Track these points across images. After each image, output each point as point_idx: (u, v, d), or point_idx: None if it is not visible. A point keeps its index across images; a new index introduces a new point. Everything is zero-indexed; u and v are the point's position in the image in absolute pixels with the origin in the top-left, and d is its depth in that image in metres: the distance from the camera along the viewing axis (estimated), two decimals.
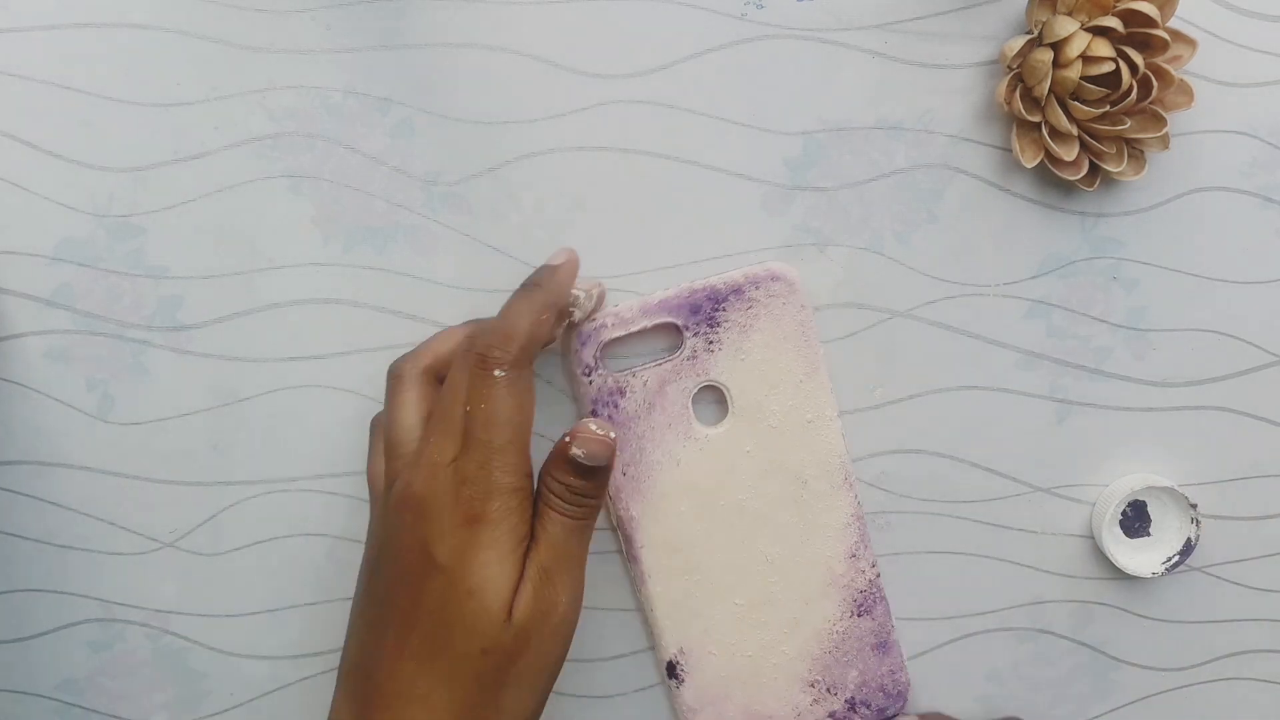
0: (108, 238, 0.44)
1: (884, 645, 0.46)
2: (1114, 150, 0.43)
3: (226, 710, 0.47)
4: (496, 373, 0.38)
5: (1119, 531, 0.46)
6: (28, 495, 0.45)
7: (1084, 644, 0.47)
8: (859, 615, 0.46)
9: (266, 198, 0.44)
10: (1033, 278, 0.45)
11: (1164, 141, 0.43)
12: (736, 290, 0.44)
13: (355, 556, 0.46)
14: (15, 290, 0.44)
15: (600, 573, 0.46)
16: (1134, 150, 0.43)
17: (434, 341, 0.42)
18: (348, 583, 0.46)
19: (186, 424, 0.45)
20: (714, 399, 0.45)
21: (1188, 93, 0.43)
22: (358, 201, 0.44)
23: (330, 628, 0.47)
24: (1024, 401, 0.46)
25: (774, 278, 0.44)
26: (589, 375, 0.44)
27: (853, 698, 0.46)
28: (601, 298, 0.44)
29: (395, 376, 0.41)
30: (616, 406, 0.44)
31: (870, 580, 0.46)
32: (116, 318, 0.45)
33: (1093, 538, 0.46)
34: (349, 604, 0.45)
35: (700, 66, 0.44)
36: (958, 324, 0.46)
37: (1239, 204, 0.45)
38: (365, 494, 0.46)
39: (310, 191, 0.44)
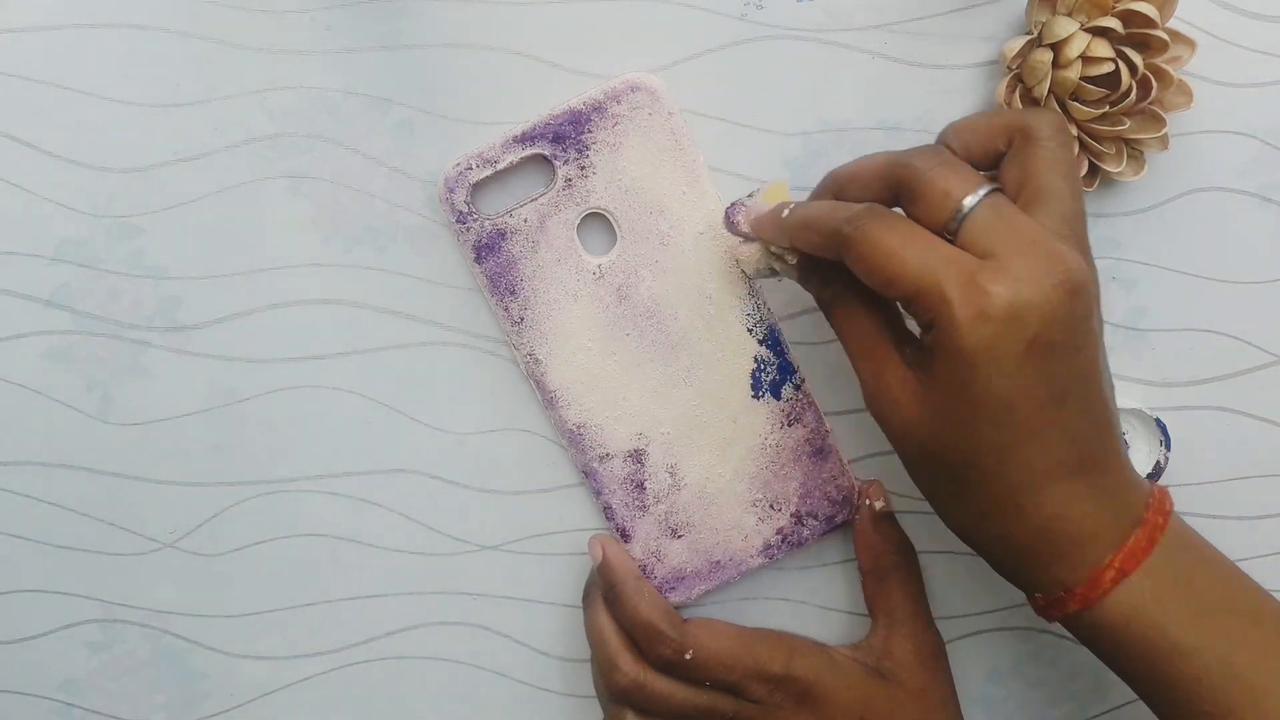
0: (107, 238, 0.44)
1: (820, 452, 0.45)
2: (1113, 150, 0.43)
3: (226, 710, 0.47)
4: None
5: None
6: (27, 495, 0.45)
7: None
8: (789, 425, 0.44)
9: (266, 198, 0.44)
10: None
11: (1163, 142, 0.43)
12: (598, 108, 0.42)
13: (355, 556, 0.46)
14: (15, 290, 0.44)
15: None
16: (1133, 150, 0.43)
17: None
18: (348, 583, 0.46)
19: (186, 424, 0.45)
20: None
21: (1187, 93, 0.43)
22: (358, 201, 0.44)
23: (330, 628, 0.47)
24: None
25: (634, 88, 0.42)
26: (464, 222, 0.42)
27: (797, 510, 0.45)
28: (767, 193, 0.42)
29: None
30: (499, 250, 0.43)
31: (795, 387, 0.44)
32: (116, 318, 0.45)
33: None
34: (349, 604, 0.45)
35: (700, 66, 0.44)
36: None
37: (1238, 204, 0.45)
38: (365, 494, 0.46)
39: (310, 191, 0.44)
